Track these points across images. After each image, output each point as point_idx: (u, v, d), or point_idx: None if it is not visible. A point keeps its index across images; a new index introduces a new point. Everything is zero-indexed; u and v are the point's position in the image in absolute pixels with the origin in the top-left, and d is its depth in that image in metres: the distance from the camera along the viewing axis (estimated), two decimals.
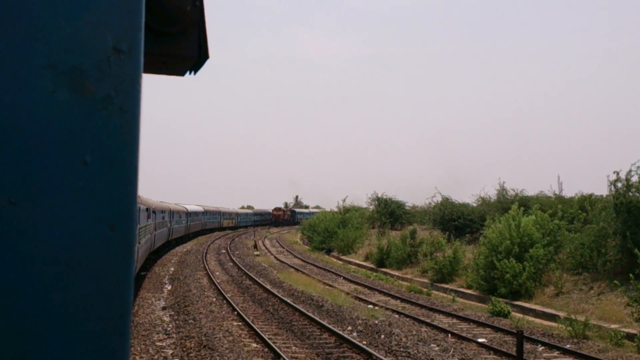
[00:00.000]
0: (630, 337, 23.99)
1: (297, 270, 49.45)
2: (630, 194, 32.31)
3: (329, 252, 72.98)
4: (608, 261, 32.43)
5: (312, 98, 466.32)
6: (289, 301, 30.89)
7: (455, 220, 56.66)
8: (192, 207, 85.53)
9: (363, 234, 69.56)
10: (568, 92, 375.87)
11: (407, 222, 76.09)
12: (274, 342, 21.78)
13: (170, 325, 25.13)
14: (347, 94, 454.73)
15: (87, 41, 1.51)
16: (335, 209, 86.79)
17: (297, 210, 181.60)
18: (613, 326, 25.26)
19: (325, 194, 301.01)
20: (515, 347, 19.77)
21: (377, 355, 19.98)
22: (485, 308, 31.73)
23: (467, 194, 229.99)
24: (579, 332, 24.62)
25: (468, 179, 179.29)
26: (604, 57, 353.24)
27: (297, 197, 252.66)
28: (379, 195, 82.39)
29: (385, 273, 50.31)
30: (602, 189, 55.85)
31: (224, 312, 28.25)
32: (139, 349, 21.01)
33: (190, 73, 2.58)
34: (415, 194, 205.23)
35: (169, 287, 36.69)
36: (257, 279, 40.21)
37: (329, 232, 76.12)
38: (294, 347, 21.83)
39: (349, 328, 25.26)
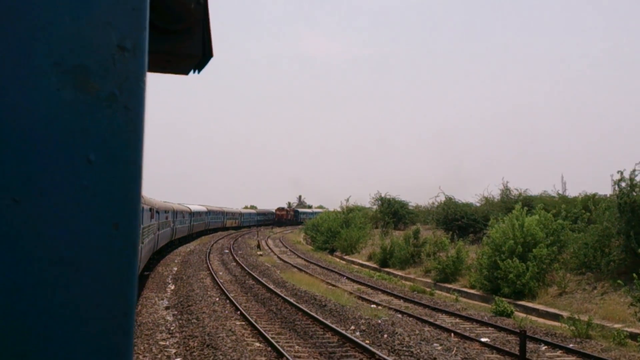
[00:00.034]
0: (633, 336, 24.01)
1: (300, 270, 49.43)
2: (634, 193, 32.28)
3: (332, 252, 72.93)
4: (612, 261, 32.42)
5: (315, 97, 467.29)
6: (292, 301, 30.88)
7: (459, 220, 56.58)
8: (195, 207, 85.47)
9: (366, 234, 69.48)
10: (571, 91, 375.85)
11: (411, 221, 76.00)
12: (277, 342, 21.77)
13: (174, 325, 25.13)
14: (349, 93, 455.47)
15: (91, 39, 1.51)
16: (339, 209, 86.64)
17: (301, 210, 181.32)
18: (616, 326, 25.25)
19: (328, 193, 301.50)
20: (518, 346, 19.78)
21: (380, 354, 19.98)
22: (488, 308, 31.73)
23: (470, 194, 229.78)
24: (582, 332, 24.62)
25: (471, 178, 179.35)
26: (606, 55, 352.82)
27: (300, 197, 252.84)
28: (382, 195, 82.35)
29: (388, 273, 50.30)
30: (606, 189, 55.88)
31: (227, 312, 28.25)
32: (142, 348, 21.02)
33: (194, 72, 2.58)
34: (419, 193, 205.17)
35: (172, 287, 36.69)
36: (260, 279, 40.19)
37: (332, 232, 76.02)
38: (297, 347, 21.84)
39: (352, 327, 25.25)
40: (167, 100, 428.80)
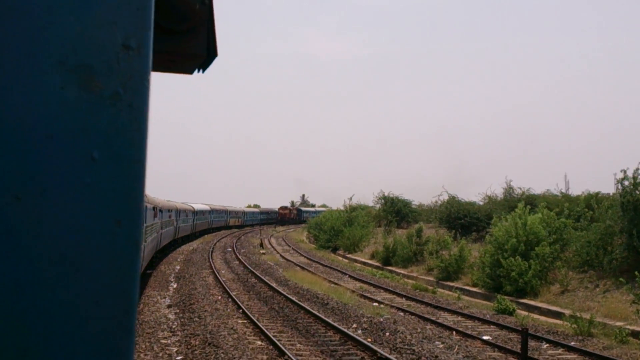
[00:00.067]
0: (635, 334, 24.03)
1: (302, 268, 49.42)
2: (637, 192, 32.25)
3: (335, 250, 72.88)
4: (614, 259, 32.38)
5: (317, 97, 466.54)
6: (294, 299, 30.88)
7: (462, 219, 56.51)
8: (198, 206, 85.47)
9: (369, 233, 69.43)
10: (574, 89, 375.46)
11: (414, 220, 75.87)
12: (278, 340, 21.79)
13: (176, 323, 25.15)
14: (351, 92, 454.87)
15: (96, 38, 1.52)
16: (342, 208, 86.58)
17: (304, 208, 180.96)
18: (618, 324, 25.25)
19: (331, 192, 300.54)
20: (520, 344, 19.79)
21: (382, 352, 19.99)
22: (490, 306, 31.72)
23: (473, 193, 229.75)
24: (583, 330, 24.64)
25: (475, 177, 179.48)
26: (608, 54, 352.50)
27: (303, 195, 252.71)
28: (385, 194, 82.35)
29: (390, 271, 50.30)
30: (609, 187, 55.84)
31: (229, 310, 28.26)
32: (143, 346, 21.03)
33: (198, 71, 2.59)
34: (422, 192, 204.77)
35: (175, 285, 36.69)
36: (262, 277, 40.20)
37: (335, 231, 75.97)
38: (298, 345, 21.85)
39: (354, 326, 25.26)
40: (171, 99, 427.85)
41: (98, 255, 1.51)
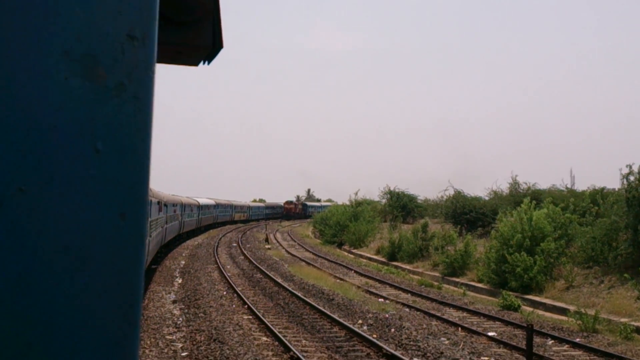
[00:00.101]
0: None
1: (308, 263, 49.46)
2: None
3: (340, 245, 72.92)
4: (619, 255, 32.37)
5: (323, 91, 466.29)
6: (299, 295, 30.90)
7: (467, 214, 56.53)
8: (203, 201, 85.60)
9: (375, 228, 69.47)
10: (581, 84, 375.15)
11: (419, 215, 76.02)
12: (284, 336, 21.80)
13: (181, 319, 25.17)
14: (357, 86, 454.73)
15: (100, 28, 1.50)
16: (347, 203, 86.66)
17: (309, 203, 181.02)
18: (623, 320, 25.24)
19: (337, 187, 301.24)
20: (525, 340, 19.77)
21: (388, 348, 19.98)
22: (495, 302, 31.71)
23: (479, 188, 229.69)
24: (588, 326, 24.62)
25: (481, 172, 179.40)
26: (616, 48, 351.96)
27: (309, 190, 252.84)
28: (391, 189, 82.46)
29: (396, 267, 50.31)
30: (614, 183, 55.80)
31: (234, 306, 28.28)
32: (148, 342, 21.05)
33: (204, 63, 2.58)
34: (428, 187, 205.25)
35: (180, 281, 36.74)
36: (268, 273, 40.24)
37: (341, 226, 76.04)
38: (304, 341, 21.86)
39: (360, 322, 25.27)
40: (177, 91, 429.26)
41: (102, 248, 1.50)
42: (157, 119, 1.62)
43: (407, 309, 29.01)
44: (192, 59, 2.48)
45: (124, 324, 1.53)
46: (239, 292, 31.43)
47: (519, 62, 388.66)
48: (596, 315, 25.06)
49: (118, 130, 1.51)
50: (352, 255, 62.77)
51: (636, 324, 24.65)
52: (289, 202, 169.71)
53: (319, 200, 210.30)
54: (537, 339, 21.83)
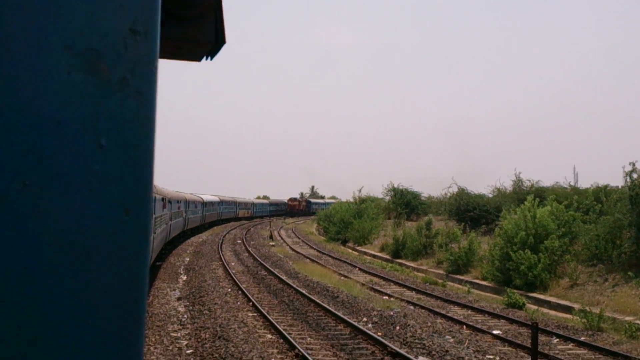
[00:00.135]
0: None
1: (312, 261, 49.46)
2: None
3: (344, 242, 72.95)
4: (623, 253, 32.37)
5: (327, 87, 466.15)
6: (304, 292, 30.90)
7: (471, 211, 56.57)
8: (207, 197, 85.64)
9: (379, 225, 69.55)
10: (582, 83, 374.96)
11: (423, 212, 76.07)
12: (289, 333, 21.80)
13: (185, 316, 25.19)
14: (361, 83, 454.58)
15: (103, 22, 1.50)
16: (351, 200, 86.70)
17: (313, 200, 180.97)
18: (628, 318, 25.20)
19: (341, 184, 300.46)
20: (530, 339, 19.77)
21: (392, 346, 19.98)
22: (500, 300, 31.70)
23: (483, 185, 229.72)
24: (593, 324, 24.59)
25: (484, 170, 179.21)
26: (620, 46, 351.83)
27: (313, 187, 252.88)
28: (395, 186, 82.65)
29: (400, 264, 50.30)
30: (617, 180, 55.78)
31: (239, 303, 28.29)
32: (153, 339, 21.06)
33: (206, 58, 2.57)
34: (431, 184, 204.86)
35: (184, 278, 36.76)
36: (272, 270, 40.24)
37: (345, 223, 76.06)
38: (308, 338, 21.86)
39: (364, 319, 25.28)
40: (180, 88, 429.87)
41: (106, 243, 1.50)
42: (160, 115, 1.62)
43: (411, 307, 29.01)
44: (194, 54, 2.48)
45: (129, 320, 1.53)
46: (244, 289, 31.45)
47: (521, 61, 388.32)
48: (601, 313, 25.03)
49: (121, 126, 1.51)
50: (356, 253, 62.77)
51: None
52: (292, 199, 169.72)
53: (322, 198, 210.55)
54: (542, 337, 21.80)
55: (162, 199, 38.49)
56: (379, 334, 22.45)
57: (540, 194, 46.56)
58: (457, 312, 28.03)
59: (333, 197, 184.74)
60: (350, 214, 77.13)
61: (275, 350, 19.96)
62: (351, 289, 33.19)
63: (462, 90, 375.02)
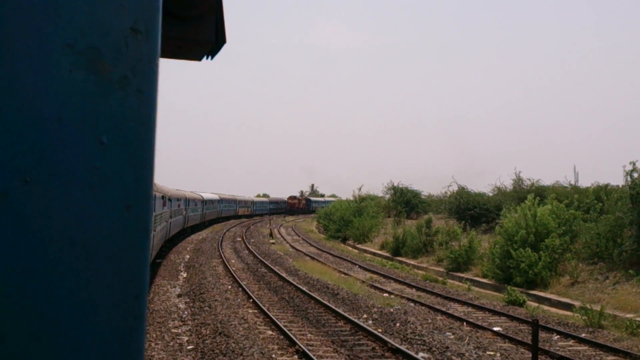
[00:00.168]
0: None
1: (312, 258, 49.45)
2: None
3: (344, 240, 72.91)
4: (624, 251, 32.34)
5: (327, 87, 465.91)
6: (304, 289, 30.91)
7: (471, 210, 56.50)
8: (207, 195, 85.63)
9: (379, 223, 69.48)
10: (582, 82, 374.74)
11: (423, 211, 76.01)
12: (289, 330, 21.81)
13: (186, 313, 25.19)
14: (361, 82, 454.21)
15: (104, 21, 1.51)
16: (351, 198, 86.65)
17: (313, 198, 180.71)
18: (628, 315, 25.21)
19: (341, 183, 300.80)
20: (531, 335, 19.77)
21: (393, 343, 19.99)
22: (500, 297, 31.68)
23: (483, 184, 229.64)
24: (594, 322, 24.60)
25: (484, 169, 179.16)
26: (620, 46, 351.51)
27: (312, 185, 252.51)
28: (395, 184, 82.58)
29: (400, 262, 50.26)
30: (618, 179, 55.73)
31: (239, 300, 28.30)
32: (154, 335, 21.07)
33: (207, 58, 2.58)
34: (431, 183, 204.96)
35: (185, 275, 36.75)
36: (272, 267, 40.25)
37: (345, 221, 76.01)
38: (309, 335, 21.86)
39: (365, 316, 25.28)
40: (180, 86, 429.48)
41: (107, 240, 1.51)
42: (161, 113, 1.63)
43: (412, 304, 29.01)
44: (195, 54, 2.49)
45: (130, 317, 1.54)
46: (244, 286, 31.45)
47: (521, 61, 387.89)
48: (601, 310, 25.05)
49: (122, 123, 1.52)
50: (356, 250, 62.73)
51: None
52: (292, 197, 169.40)
53: (322, 196, 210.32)
54: (542, 334, 21.81)
55: (162, 197, 38.46)
56: (379, 330, 22.47)
57: (541, 193, 46.49)
58: (458, 309, 28.03)
59: (333, 196, 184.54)
60: (350, 212, 77.10)
61: (275, 347, 19.98)
62: (351, 286, 33.21)
63: (462, 90, 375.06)
